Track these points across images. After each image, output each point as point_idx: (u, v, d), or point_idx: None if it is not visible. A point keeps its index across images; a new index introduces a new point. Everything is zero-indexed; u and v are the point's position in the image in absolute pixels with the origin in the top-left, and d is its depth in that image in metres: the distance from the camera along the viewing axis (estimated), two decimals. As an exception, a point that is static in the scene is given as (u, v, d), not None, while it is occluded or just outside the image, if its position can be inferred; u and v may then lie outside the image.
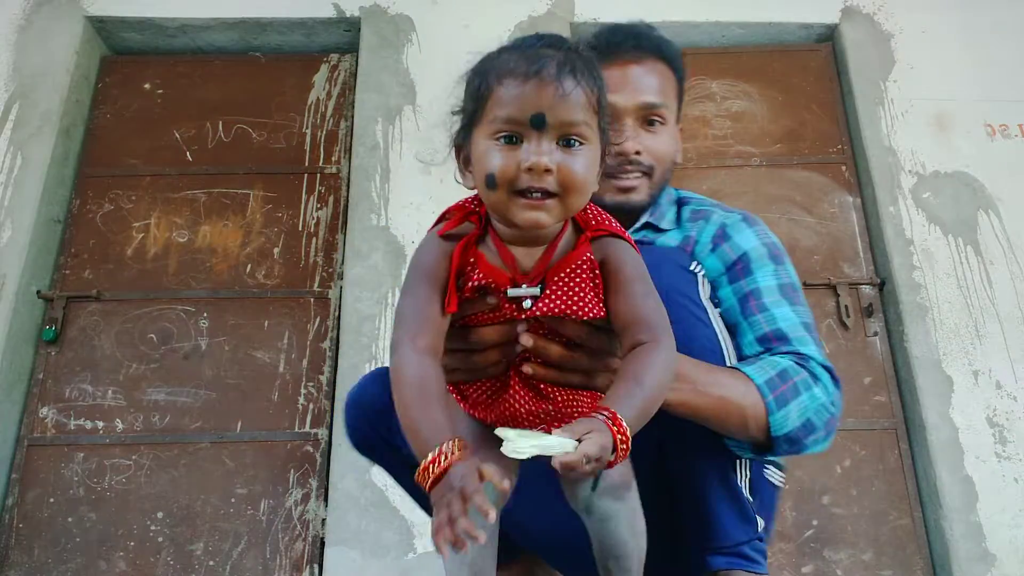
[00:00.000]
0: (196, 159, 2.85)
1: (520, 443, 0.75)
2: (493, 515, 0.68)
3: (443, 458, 0.73)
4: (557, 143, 0.84)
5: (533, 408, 0.91)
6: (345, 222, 2.73)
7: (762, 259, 1.25)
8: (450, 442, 0.74)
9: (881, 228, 2.70)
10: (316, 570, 2.33)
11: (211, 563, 2.34)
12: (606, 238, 0.90)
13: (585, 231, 0.90)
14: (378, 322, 2.51)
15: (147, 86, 2.96)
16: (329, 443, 2.43)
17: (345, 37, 3.04)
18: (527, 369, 0.89)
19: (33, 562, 2.33)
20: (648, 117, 1.31)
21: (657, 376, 0.82)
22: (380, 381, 1.19)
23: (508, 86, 0.84)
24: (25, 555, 2.34)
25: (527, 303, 0.87)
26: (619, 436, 0.75)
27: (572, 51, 0.88)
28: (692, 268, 1.17)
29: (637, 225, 1.33)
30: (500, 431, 0.79)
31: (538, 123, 0.83)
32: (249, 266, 2.70)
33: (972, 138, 2.82)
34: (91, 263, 2.69)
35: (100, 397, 2.51)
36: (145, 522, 2.38)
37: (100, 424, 2.48)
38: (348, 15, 2.96)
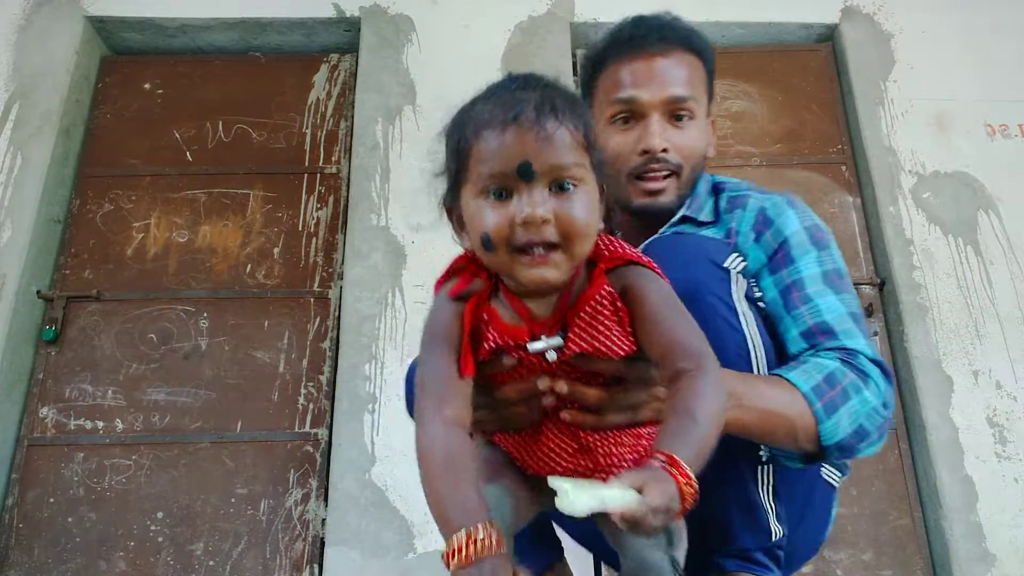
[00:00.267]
0: (196, 159, 2.85)
1: (576, 495, 0.68)
2: None
3: (476, 545, 0.68)
4: (550, 190, 0.78)
5: (571, 464, 0.86)
6: (345, 222, 2.73)
7: (803, 245, 1.17)
8: (484, 528, 0.70)
9: (881, 228, 2.70)
10: (316, 570, 2.33)
11: (211, 563, 2.34)
12: (622, 267, 0.84)
13: (599, 263, 0.84)
14: (378, 322, 2.51)
15: (147, 86, 2.96)
16: (329, 443, 2.43)
17: (345, 37, 3.03)
18: (566, 416, 0.84)
19: (33, 562, 2.33)
20: (676, 112, 1.24)
21: (709, 406, 0.75)
22: None
23: (487, 139, 0.79)
24: (25, 555, 2.34)
25: (551, 355, 0.82)
26: (683, 481, 0.67)
27: (549, 87, 0.82)
28: (727, 263, 1.10)
29: (674, 220, 1.26)
30: (552, 481, 0.71)
31: (525, 173, 0.77)
32: (249, 266, 2.70)
33: (972, 138, 2.82)
34: (91, 263, 2.69)
35: (100, 397, 2.51)
36: (145, 522, 2.38)
37: (100, 424, 2.48)
38: (348, 15, 2.96)
